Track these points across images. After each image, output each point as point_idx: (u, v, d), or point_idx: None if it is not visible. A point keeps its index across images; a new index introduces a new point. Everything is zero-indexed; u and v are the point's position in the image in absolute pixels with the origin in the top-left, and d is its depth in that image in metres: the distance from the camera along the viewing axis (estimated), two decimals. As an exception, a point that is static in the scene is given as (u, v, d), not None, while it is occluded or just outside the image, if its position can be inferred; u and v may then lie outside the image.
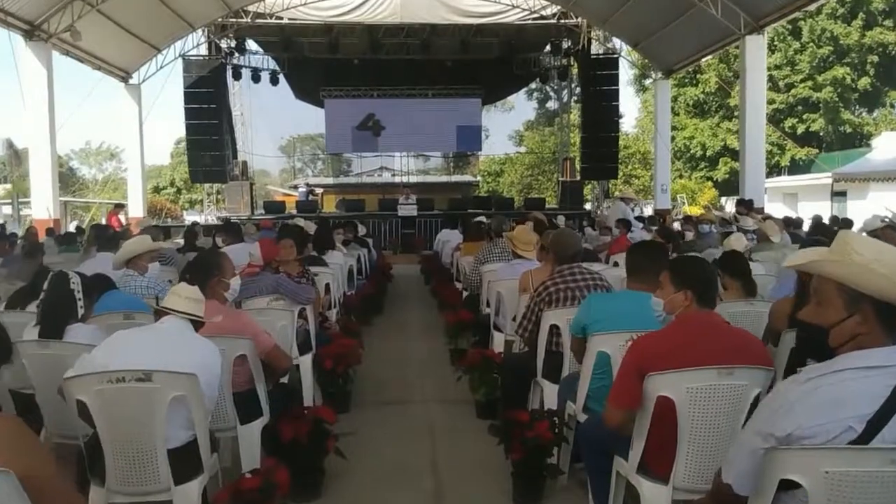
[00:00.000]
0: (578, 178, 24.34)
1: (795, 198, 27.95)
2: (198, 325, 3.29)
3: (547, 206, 23.68)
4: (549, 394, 4.33)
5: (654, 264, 3.53)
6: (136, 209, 21.97)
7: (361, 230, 12.20)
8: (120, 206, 18.63)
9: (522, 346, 4.93)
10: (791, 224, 10.86)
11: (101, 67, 19.82)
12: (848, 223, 11.22)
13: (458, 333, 6.90)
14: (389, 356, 7.51)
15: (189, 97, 22.43)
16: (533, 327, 4.51)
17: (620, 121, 22.37)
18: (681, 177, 37.01)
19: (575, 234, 5.09)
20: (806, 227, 12.79)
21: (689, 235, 9.20)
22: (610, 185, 25.54)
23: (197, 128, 22.49)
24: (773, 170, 34.16)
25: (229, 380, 3.58)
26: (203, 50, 23.26)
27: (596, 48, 23.17)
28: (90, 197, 42.10)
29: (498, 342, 5.91)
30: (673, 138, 36.65)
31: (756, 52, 15.72)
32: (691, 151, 36.31)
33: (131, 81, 21.61)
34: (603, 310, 3.72)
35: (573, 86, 27.75)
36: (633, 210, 12.17)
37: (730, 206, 33.60)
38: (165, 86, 22.97)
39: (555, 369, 4.38)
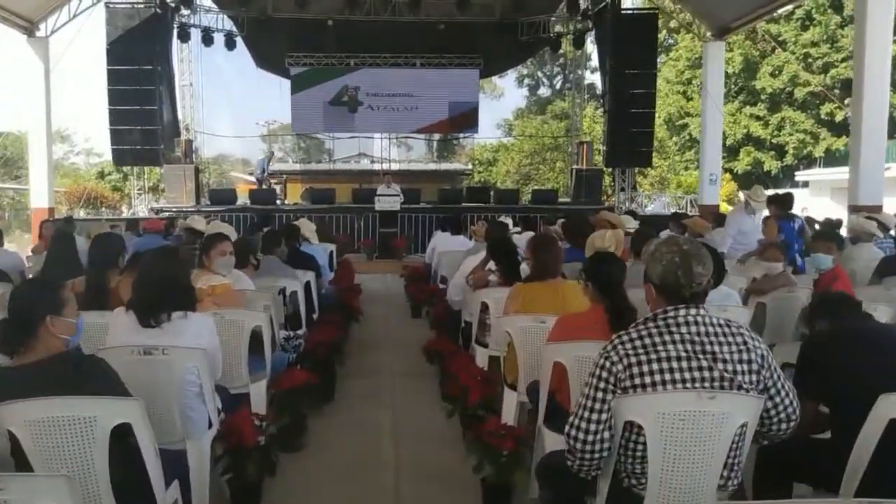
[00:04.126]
0: (601, 165, 19.99)
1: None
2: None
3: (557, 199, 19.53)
4: None
5: None
6: (39, 198, 17.29)
7: (309, 233, 7.62)
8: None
9: None
10: None
11: (-10, 12, 15.14)
12: None
13: None
14: None
15: (113, 56, 17.71)
16: None
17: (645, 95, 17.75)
18: (697, 168, 32.81)
19: None
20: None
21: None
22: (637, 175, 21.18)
23: (123, 95, 17.74)
24: (803, 161, 30.08)
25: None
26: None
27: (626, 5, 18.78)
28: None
29: None
30: (685, 125, 32.62)
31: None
32: (709, 140, 31.99)
33: (38, 34, 16.95)
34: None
35: (587, 55, 23.58)
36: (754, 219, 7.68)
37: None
38: (82, 40, 18.11)
39: None
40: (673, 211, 18.99)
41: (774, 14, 18.81)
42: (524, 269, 4.71)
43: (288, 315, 5.84)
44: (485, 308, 5.06)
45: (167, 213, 18.22)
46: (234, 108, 27.67)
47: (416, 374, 6.17)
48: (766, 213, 8.06)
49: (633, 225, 7.03)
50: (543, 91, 42.80)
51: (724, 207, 20.71)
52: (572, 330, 3.21)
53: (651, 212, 20.81)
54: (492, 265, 5.26)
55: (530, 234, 9.08)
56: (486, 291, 5.05)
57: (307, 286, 6.47)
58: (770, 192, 8.43)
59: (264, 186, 20.75)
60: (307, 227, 7.55)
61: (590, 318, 3.25)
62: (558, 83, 41.77)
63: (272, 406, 4.24)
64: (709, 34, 16.87)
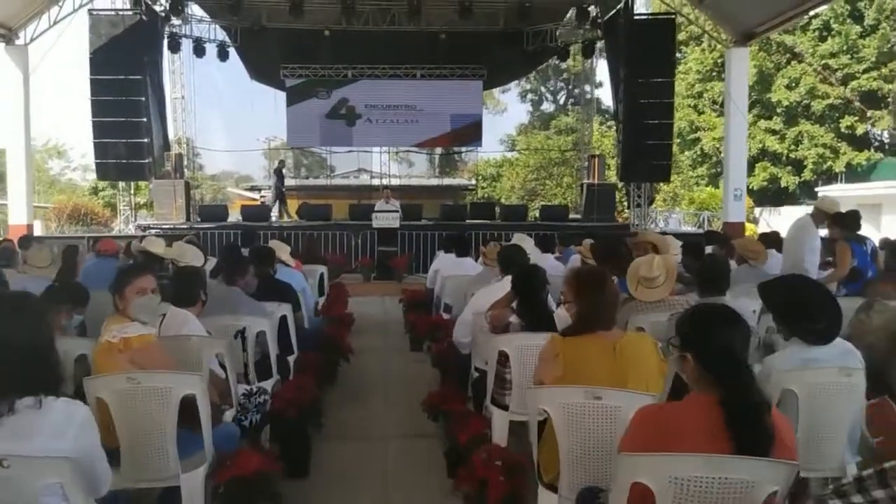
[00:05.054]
0: (612, 180, 18.87)
1: (879, 210, 22.38)
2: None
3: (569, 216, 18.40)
4: None
5: None
6: (18, 214, 16.22)
7: (284, 256, 6.43)
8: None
9: None
10: None
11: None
12: None
13: None
14: None
15: (96, 65, 16.64)
16: None
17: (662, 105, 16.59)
18: (708, 184, 31.74)
19: None
20: None
21: None
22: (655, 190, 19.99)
23: (107, 106, 16.69)
24: (822, 176, 28.90)
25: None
26: (120, 2, 17.58)
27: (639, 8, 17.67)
28: (35, 200, 36.53)
29: None
30: (697, 140, 31.53)
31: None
32: (721, 155, 30.86)
33: (17, 42, 15.94)
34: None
35: (593, 68, 22.51)
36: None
37: (770, 218, 28.36)
38: (66, 49, 17.04)
39: None
40: (706, 229, 17.80)
41: (793, 22, 17.63)
42: (560, 314, 3.45)
43: (256, 361, 4.69)
44: (503, 359, 3.89)
45: (154, 231, 17.19)
46: (229, 122, 26.65)
47: (415, 434, 4.99)
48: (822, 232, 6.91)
49: (677, 249, 5.83)
50: (547, 106, 42.00)
51: (751, 228, 19.51)
52: (661, 432, 2.02)
53: (668, 230, 19.61)
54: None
55: (550, 256, 7.93)
56: (506, 338, 3.87)
57: (282, 321, 5.31)
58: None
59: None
60: (281, 249, 6.37)
61: (690, 414, 2.09)
62: (562, 98, 40.94)
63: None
64: (730, 40, 15.73)
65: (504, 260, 5.00)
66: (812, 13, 16.78)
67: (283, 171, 21.24)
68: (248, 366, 4.39)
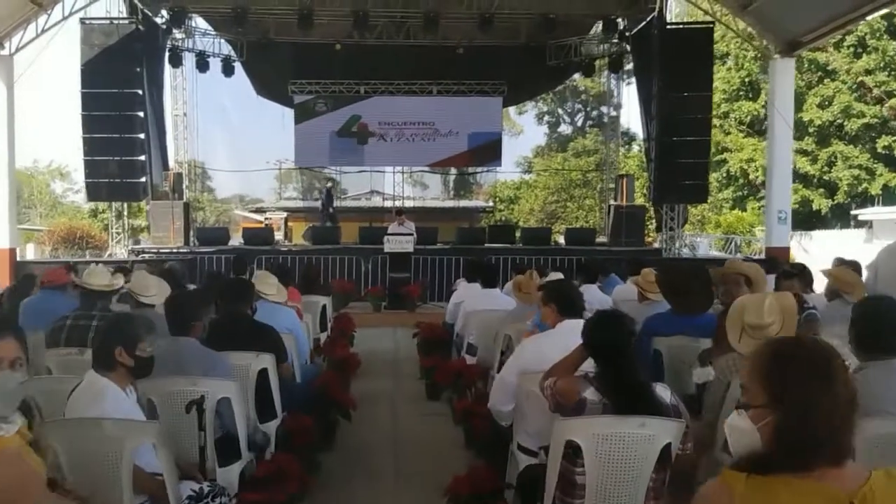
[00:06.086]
0: (640, 201, 17.58)
1: (926, 235, 20.90)
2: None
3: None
4: None
5: None
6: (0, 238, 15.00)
7: (269, 289, 5.06)
8: None
9: None
10: None
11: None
12: None
13: None
14: None
15: (88, 77, 15.56)
16: None
17: (698, 121, 15.26)
18: (734, 207, 30.40)
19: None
20: None
21: None
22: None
23: (99, 122, 15.58)
24: (856, 199, 27.45)
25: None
26: (116, 11, 16.52)
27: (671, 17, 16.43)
28: (37, 223, 35.68)
29: None
30: (724, 161, 30.25)
31: None
32: (749, 177, 29.57)
33: (2, 52, 14.89)
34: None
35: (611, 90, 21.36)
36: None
37: (802, 241, 26.90)
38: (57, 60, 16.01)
39: None
40: (770, 257, 16.28)
41: (846, 29, 16.34)
42: (739, 426, 1.83)
43: (218, 437, 3.39)
44: (573, 452, 2.57)
45: (148, 255, 16.04)
46: (234, 140, 25.45)
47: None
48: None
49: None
50: (564, 128, 40.89)
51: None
52: None
53: (699, 255, 18.28)
54: (587, 364, 2.78)
55: (594, 287, 6.59)
56: (579, 424, 2.56)
57: (261, 378, 4.02)
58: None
59: (329, 223, 18.21)
60: (265, 282, 5.01)
61: None
62: (580, 120, 39.88)
63: None
64: (775, 50, 14.41)
65: (558, 298, 3.65)
66: (878, 13, 15.37)
67: (332, 192, 19.88)
68: (204, 449, 3.08)
